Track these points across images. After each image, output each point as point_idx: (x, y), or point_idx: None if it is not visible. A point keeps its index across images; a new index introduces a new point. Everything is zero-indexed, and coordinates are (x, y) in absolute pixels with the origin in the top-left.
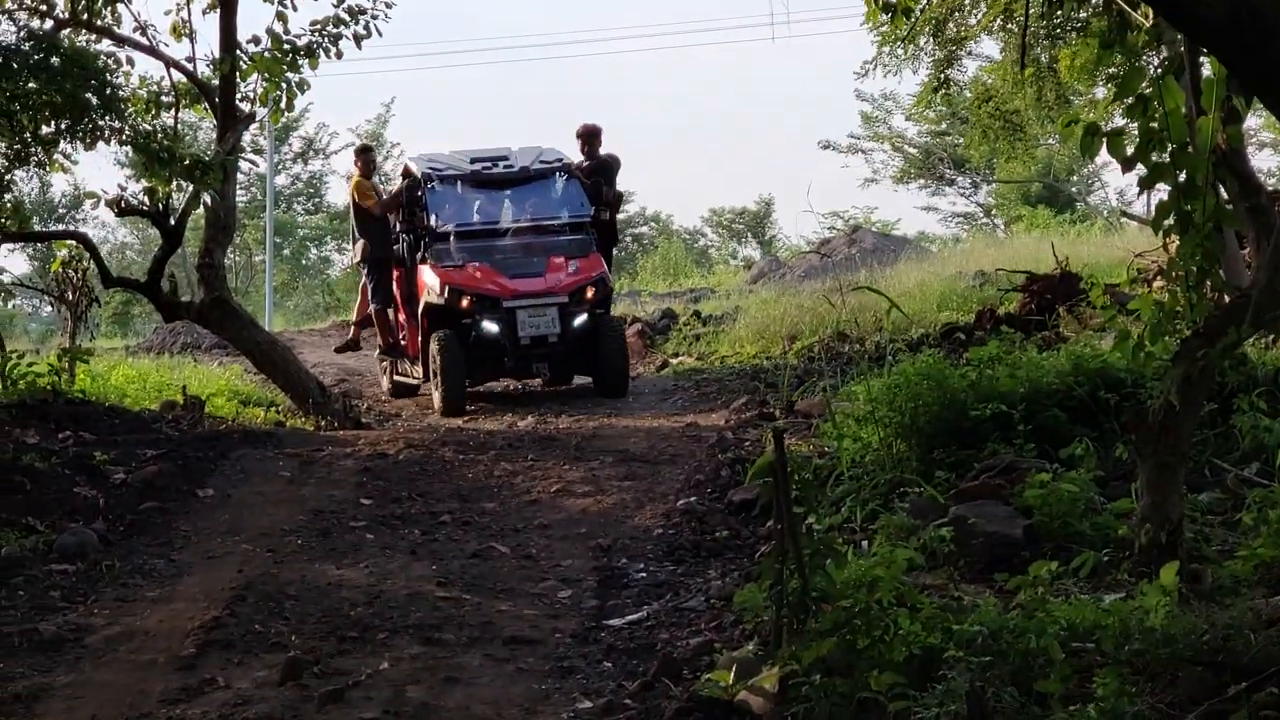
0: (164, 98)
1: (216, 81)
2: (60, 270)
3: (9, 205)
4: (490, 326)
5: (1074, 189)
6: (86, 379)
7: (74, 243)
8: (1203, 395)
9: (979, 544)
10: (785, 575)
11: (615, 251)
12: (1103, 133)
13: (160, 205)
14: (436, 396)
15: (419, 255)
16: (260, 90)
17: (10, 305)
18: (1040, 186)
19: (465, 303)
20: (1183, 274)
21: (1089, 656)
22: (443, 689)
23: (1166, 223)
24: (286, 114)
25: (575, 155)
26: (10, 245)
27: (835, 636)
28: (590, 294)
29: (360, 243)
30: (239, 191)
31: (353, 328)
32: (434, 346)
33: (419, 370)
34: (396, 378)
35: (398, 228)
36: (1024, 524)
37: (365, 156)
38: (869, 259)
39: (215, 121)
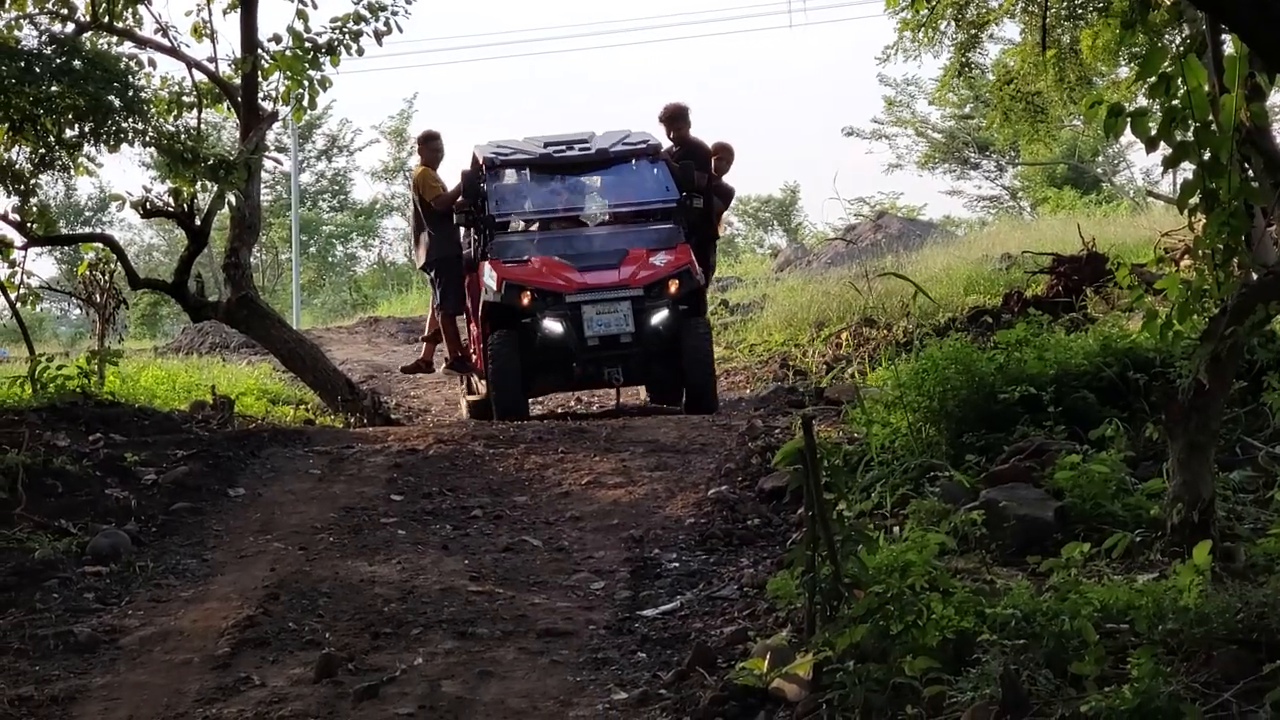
0: (186, 98)
1: (238, 81)
2: (87, 273)
3: (35, 209)
4: (553, 325)
5: (1099, 169)
6: (116, 381)
7: (100, 245)
8: (1232, 373)
9: (1011, 527)
10: (817, 562)
11: (715, 250)
12: (1126, 113)
13: (185, 206)
14: (475, 403)
15: (480, 251)
16: (282, 88)
17: (39, 309)
18: (1066, 168)
19: (525, 300)
20: (1209, 252)
21: (1123, 637)
22: (477, 683)
23: (1192, 201)
24: (309, 112)
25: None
26: (37, 249)
27: (868, 622)
28: (673, 288)
29: (425, 242)
30: (264, 190)
31: (425, 344)
32: (489, 349)
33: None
34: (470, 396)
35: (457, 221)
36: (1055, 506)
37: (429, 145)
38: (895, 244)
39: (238, 121)
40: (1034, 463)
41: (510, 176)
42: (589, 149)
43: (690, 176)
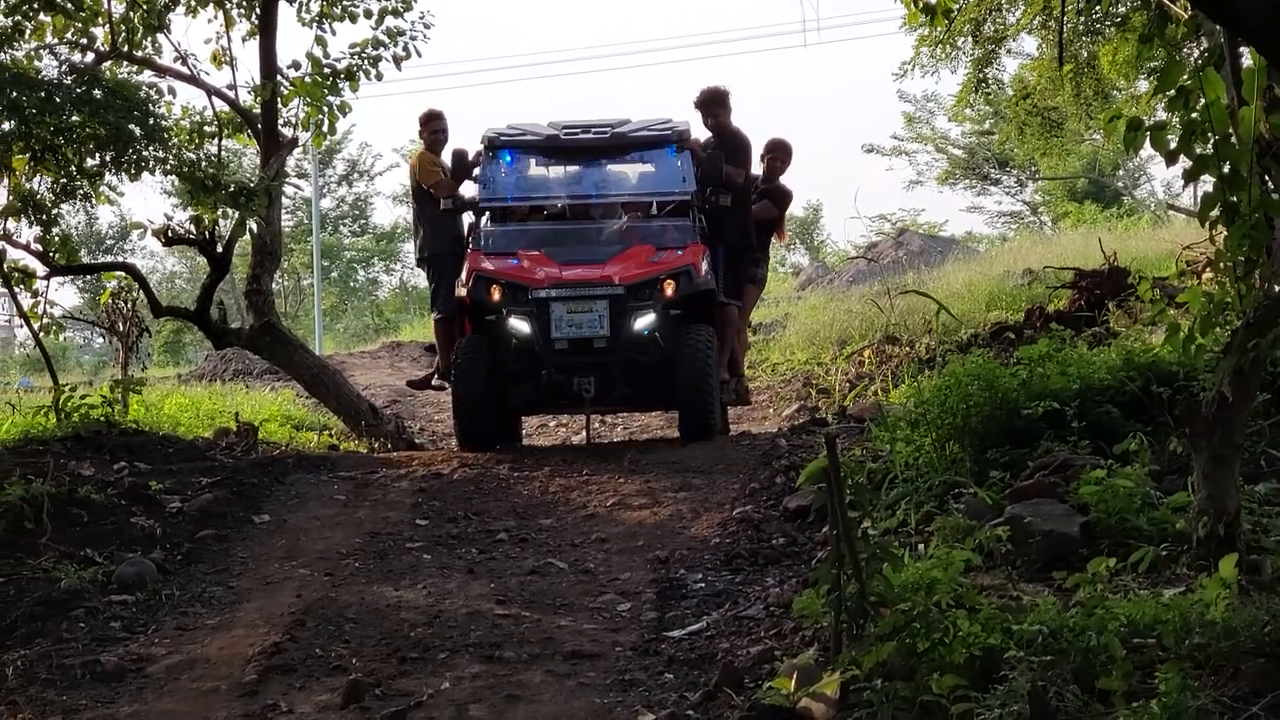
0: (207, 126)
1: (258, 108)
2: (110, 301)
3: (57, 239)
4: (518, 325)
5: (1120, 183)
6: (140, 409)
7: (123, 274)
8: (1255, 386)
9: (1036, 543)
10: (843, 580)
11: (765, 261)
12: (1145, 127)
13: (206, 233)
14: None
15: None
16: (302, 115)
17: (62, 338)
18: (1086, 182)
19: (494, 295)
20: (1231, 265)
21: (1150, 652)
22: (505, 707)
23: (1212, 214)
24: (329, 137)
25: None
26: (60, 278)
27: (895, 640)
28: (668, 290)
29: (422, 234)
30: (285, 216)
31: (437, 359)
32: (454, 355)
33: None
34: None
35: (443, 208)
36: (1080, 521)
37: (431, 125)
38: (916, 261)
39: (258, 148)
40: (1058, 478)
41: (510, 158)
42: (605, 134)
43: (717, 169)
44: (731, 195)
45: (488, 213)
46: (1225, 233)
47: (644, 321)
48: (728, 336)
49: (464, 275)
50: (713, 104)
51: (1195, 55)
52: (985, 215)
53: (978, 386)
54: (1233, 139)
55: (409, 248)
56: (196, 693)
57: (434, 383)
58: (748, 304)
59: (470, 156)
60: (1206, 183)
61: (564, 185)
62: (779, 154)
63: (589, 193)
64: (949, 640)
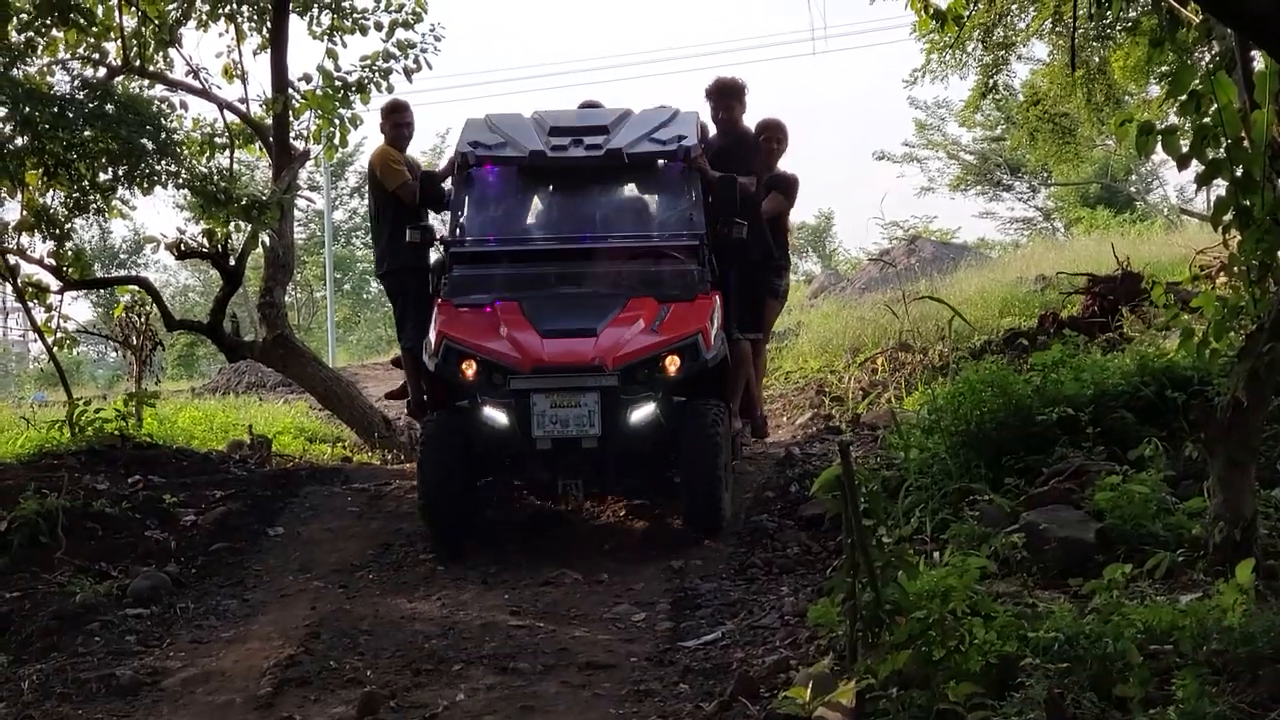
0: (218, 139)
1: (269, 121)
2: (123, 315)
3: (70, 253)
4: (494, 417)
5: (1132, 188)
6: (153, 422)
7: (136, 287)
8: (1270, 390)
9: (1051, 549)
10: (858, 589)
11: (785, 271)
12: (1157, 131)
13: (219, 246)
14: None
15: (436, 280)
16: (314, 127)
17: (76, 352)
18: (1099, 187)
19: (469, 373)
20: (1245, 269)
21: (1167, 658)
22: (520, 718)
23: (1226, 218)
24: (340, 150)
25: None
26: (73, 292)
27: (910, 648)
28: (671, 368)
29: (383, 243)
30: (297, 229)
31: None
32: (419, 436)
33: None
34: None
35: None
36: (1096, 527)
37: (394, 117)
38: (929, 268)
39: (270, 160)
40: (1073, 484)
41: (487, 178)
42: (599, 148)
43: (731, 195)
44: (747, 208)
45: (453, 251)
46: (1239, 237)
47: (642, 415)
48: (740, 375)
49: (432, 339)
50: (727, 95)
51: (1206, 59)
52: (998, 221)
53: (991, 393)
54: (1245, 143)
55: None
56: (211, 706)
57: (404, 417)
58: (768, 320)
59: (441, 172)
60: (1219, 187)
61: (550, 215)
62: (775, 134)
63: (579, 232)
64: (965, 648)
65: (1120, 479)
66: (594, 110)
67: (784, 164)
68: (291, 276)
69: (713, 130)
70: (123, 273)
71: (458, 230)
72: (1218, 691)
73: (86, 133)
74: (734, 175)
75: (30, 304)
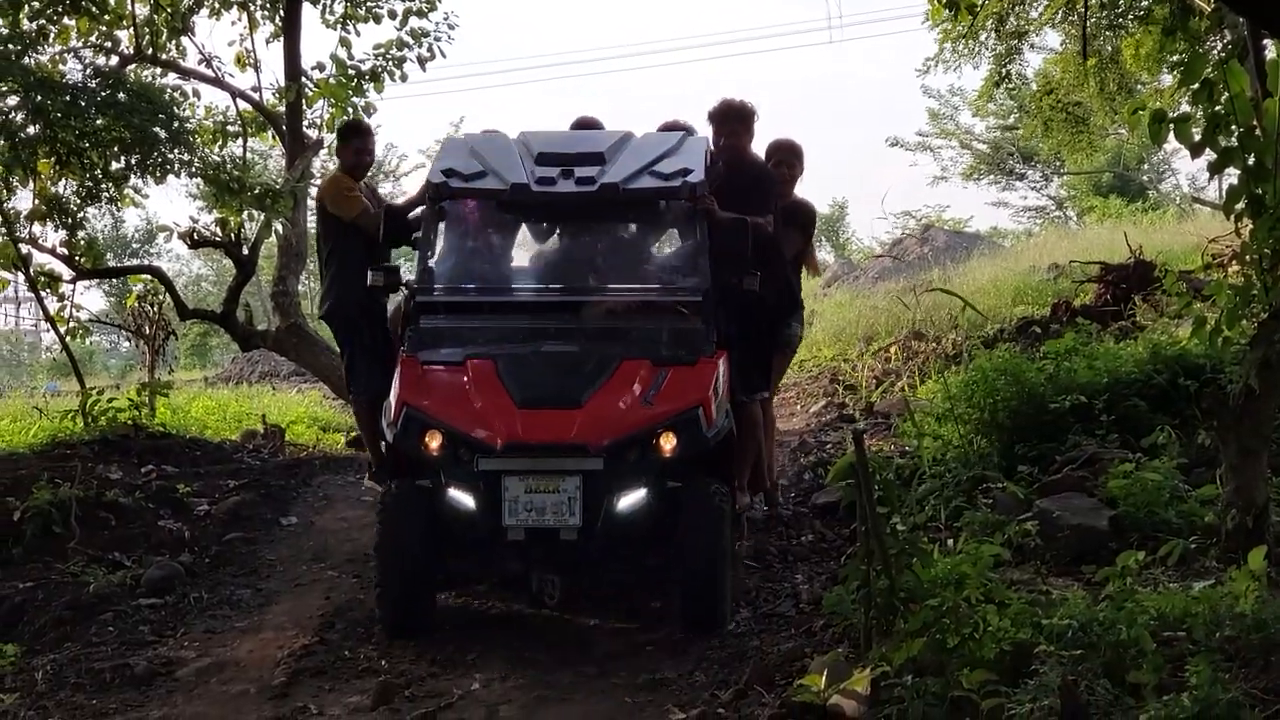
0: (231, 128)
1: (283, 109)
2: (136, 304)
3: (83, 242)
4: (460, 499)
5: (1145, 177)
6: (167, 412)
7: (149, 277)
8: None
9: (1065, 537)
10: (872, 577)
11: (789, 344)
12: (1169, 119)
13: (232, 235)
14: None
15: (400, 328)
16: (327, 116)
17: (88, 342)
18: (1111, 176)
19: (433, 446)
20: (1257, 257)
21: (1180, 645)
22: (536, 707)
23: (1238, 207)
24: None
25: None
26: (86, 282)
27: (925, 636)
28: (666, 447)
29: (328, 279)
30: (310, 217)
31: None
32: (378, 512)
33: None
34: None
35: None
36: (1109, 515)
37: (354, 142)
38: (941, 257)
39: (283, 149)
40: (1086, 472)
41: (461, 215)
42: (591, 181)
43: (742, 239)
44: (762, 252)
45: (419, 301)
46: (1251, 225)
47: (630, 502)
48: (749, 445)
49: (392, 404)
50: (731, 119)
51: (1218, 48)
52: (1010, 210)
53: (1004, 381)
54: (1257, 131)
55: None
56: (226, 696)
57: (366, 483)
58: (776, 374)
59: (408, 202)
60: (1231, 175)
61: (534, 259)
62: (788, 158)
63: (566, 281)
64: (979, 635)
65: (1133, 467)
66: (589, 134)
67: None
68: (305, 265)
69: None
70: (135, 262)
71: (426, 275)
72: (1231, 678)
73: (99, 121)
74: (745, 219)
75: (43, 294)
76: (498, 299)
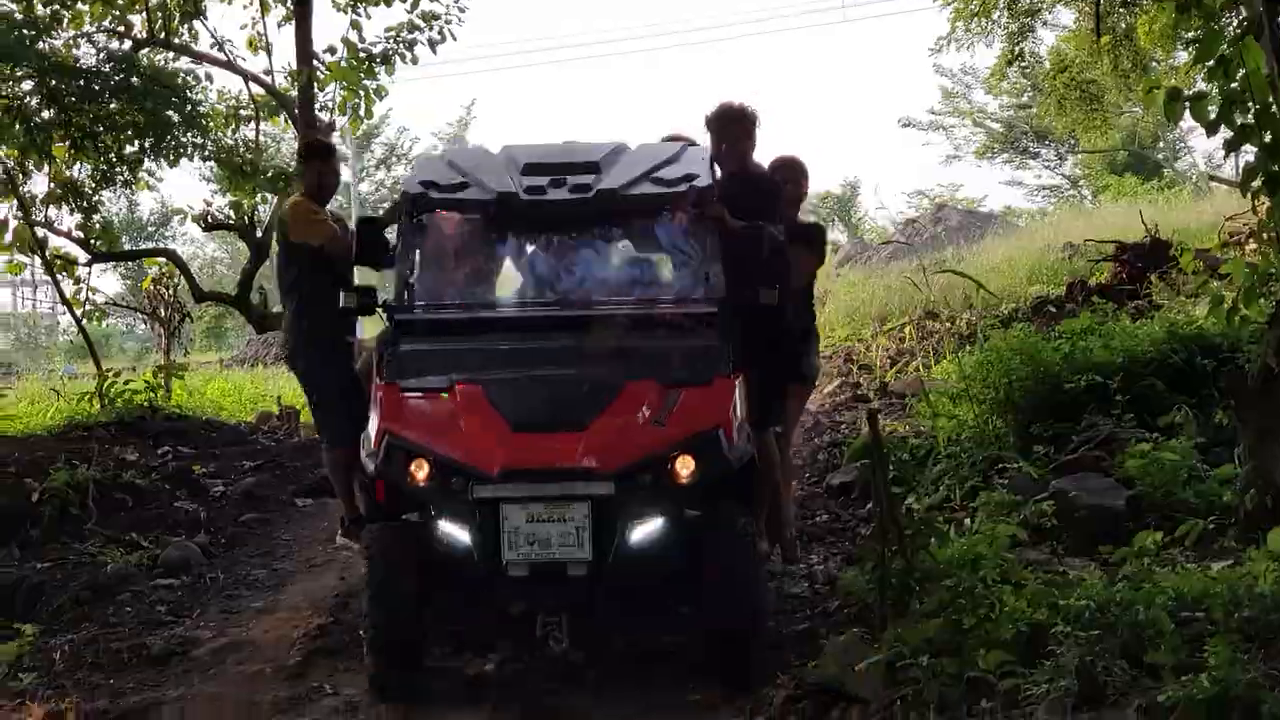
0: (243, 111)
1: (294, 93)
2: (151, 287)
3: (98, 225)
4: (453, 534)
5: (1160, 155)
6: (183, 394)
7: (164, 260)
8: None
9: (1081, 517)
10: (887, 557)
11: (807, 375)
12: (1185, 97)
13: (246, 218)
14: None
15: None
16: (338, 99)
17: (105, 325)
18: (1126, 154)
19: (419, 476)
20: (1274, 234)
21: (1199, 626)
22: (550, 685)
23: (1255, 184)
24: (366, 121)
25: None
26: (102, 265)
27: (940, 617)
28: (683, 472)
29: (290, 318)
30: None
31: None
32: (363, 550)
33: None
34: None
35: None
36: (1126, 495)
37: (314, 163)
38: (955, 236)
39: (295, 132)
40: (1103, 452)
41: (442, 229)
42: (587, 189)
43: (757, 248)
44: (777, 267)
45: (399, 321)
46: (1268, 202)
47: (646, 533)
48: (766, 483)
49: (372, 433)
50: (731, 124)
51: (1234, 24)
52: (1024, 189)
53: (1020, 360)
54: (1274, 108)
55: None
56: (242, 675)
57: (339, 539)
58: (794, 411)
59: (383, 222)
60: (1248, 153)
61: (524, 275)
62: (793, 175)
63: (561, 298)
64: (995, 616)
65: (1150, 446)
66: (579, 144)
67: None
68: None
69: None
70: (150, 245)
71: (406, 294)
72: (1250, 658)
73: (112, 105)
74: (760, 224)
75: (59, 276)
76: (485, 316)
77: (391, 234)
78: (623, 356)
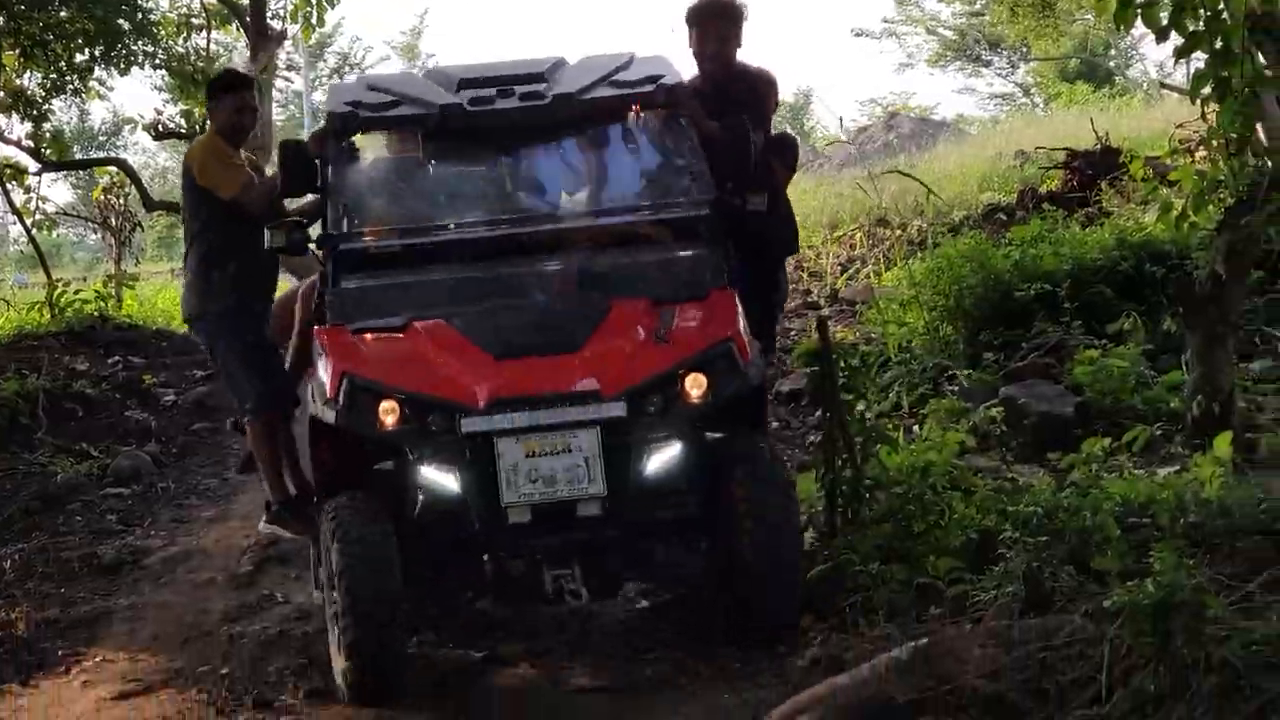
0: (195, 20)
1: (246, 1)
2: (102, 197)
3: (49, 134)
4: (437, 480)
5: (1112, 63)
6: (133, 304)
7: (114, 169)
8: (1249, 263)
9: (1030, 424)
10: (837, 464)
11: (787, 271)
12: (1136, 4)
13: (197, 127)
14: (336, 660)
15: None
16: (291, 6)
17: (55, 234)
18: (1078, 62)
19: (389, 419)
20: (1223, 142)
21: (1145, 532)
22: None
23: (1204, 91)
24: (318, 29)
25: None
26: (52, 174)
27: (890, 523)
28: (696, 391)
29: (191, 272)
30: (276, 110)
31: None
32: (326, 526)
33: None
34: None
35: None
36: (1075, 402)
37: (227, 98)
38: (907, 144)
39: (247, 41)
40: (1052, 359)
41: (377, 152)
42: (540, 96)
43: (744, 149)
44: (763, 172)
45: (341, 252)
46: (1218, 109)
47: (665, 461)
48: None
49: (326, 379)
50: (717, 18)
51: None
52: (977, 97)
53: (970, 268)
54: (1224, 14)
55: None
56: (193, 584)
57: (263, 527)
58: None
59: (310, 145)
60: (1198, 59)
61: (475, 194)
62: (765, 89)
63: (519, 215)
64: (944, 523)
65: (1099, 353)
66: (515, 60)
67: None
68: (270, 156)
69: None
70: (101, 154)
71: (342, 223)
72: (1195, 564)
73: (63, 13)
74: (743, 119)
75: (9, 186)
76: (438, 242)
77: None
78: (602, 275)
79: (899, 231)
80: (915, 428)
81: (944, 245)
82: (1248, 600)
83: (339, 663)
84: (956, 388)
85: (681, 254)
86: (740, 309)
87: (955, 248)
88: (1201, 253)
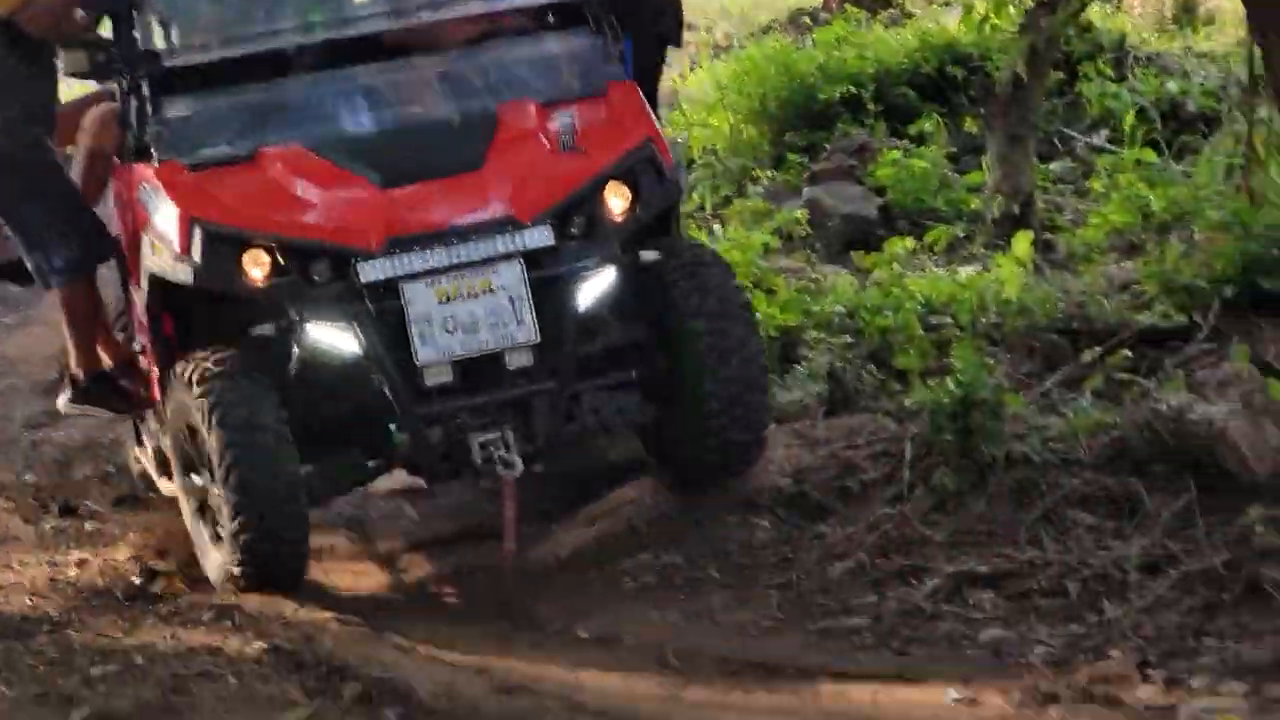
0: None
1: None
2: None
3: None
4: (332, 340)
5: None
6: None
7: None
8: (1049, 65)
9: (834, 225)
10: None
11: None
12: None
13: None
14: (212, 554)
15: (132, 139)
16: None
17: None
18: None
19: (259, 271)
20: None
21: (947, 331)
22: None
23: None
24: None
25: None
26: None
27: None
28: (619, 207)
29: None
30: None
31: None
32: (195, 403)
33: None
34: (144, 459)
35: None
36: (878, 203)
37: None
38: None
39: None
40: (856, 160)
41: None
42: None
43: None
44: None
45: (160, 72)
46: None
47: (598, 293)
48: None
49: (172, 230)
50: None
51: None
52: None
53: (775, 70)
54: None
55: None
56: None
57: (64, 406)
58: None
59: None
60: None
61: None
62: None
63: (371, 16)
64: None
65: (901, 154)
66: None
67: None
68: None
69: None
70: None
71: (160, 36)
72: (995, 361)
73: None
74: None
75: None
76: (272, 50)
77: None
78: (479, 75)
79: (705, 34)
80: (719, 228)
81: (749, 48)
82: (1045, 397)
83: (218, 557)
84: (761, 189)
85: (566, 43)
86: (642, 97)
87: (760, 50)
88: (1002, 55)
